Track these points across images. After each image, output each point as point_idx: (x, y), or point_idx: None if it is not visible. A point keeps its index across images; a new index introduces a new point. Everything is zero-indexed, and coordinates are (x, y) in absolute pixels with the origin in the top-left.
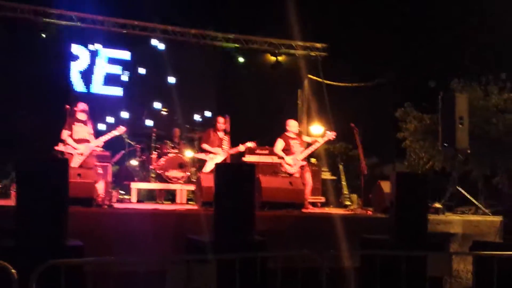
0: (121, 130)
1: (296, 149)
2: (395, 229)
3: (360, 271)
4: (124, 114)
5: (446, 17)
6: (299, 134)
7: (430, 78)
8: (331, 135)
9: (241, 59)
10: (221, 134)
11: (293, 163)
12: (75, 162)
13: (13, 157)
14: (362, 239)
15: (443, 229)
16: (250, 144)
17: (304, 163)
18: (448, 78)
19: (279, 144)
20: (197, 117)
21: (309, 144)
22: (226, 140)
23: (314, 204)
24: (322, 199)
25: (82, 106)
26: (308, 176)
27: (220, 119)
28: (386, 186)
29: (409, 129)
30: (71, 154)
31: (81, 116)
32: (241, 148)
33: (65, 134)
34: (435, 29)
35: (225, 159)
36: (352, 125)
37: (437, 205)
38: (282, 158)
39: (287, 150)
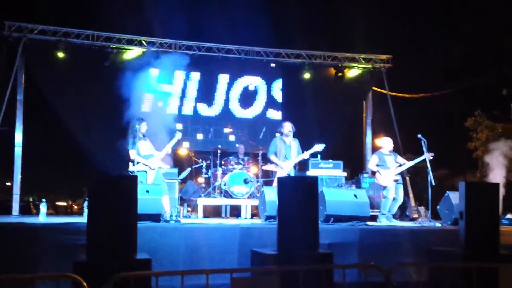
0: (179, 135)
1: (391, 165)
2: (465, 241)
3: (429, 284)
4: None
5: None
6: (392, 152)
7: (502, 86)
8: (429, 155)
9: (306, 75)
10: (288, 140)
11: (387, 177)
12: (149, 179)
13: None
14: (430, 252)
15: None
16: (319, 148)
17: (398, 178)
18: None
19: (374, 160)
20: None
21: (400, 164)
22: (295, 146)
23: None
24: None
25: (144, 122)
26: (400, 192)
27: (287, 125)
28: (455, 197)
29: (480, 138)
30: (145, 171)
31: (143, 132)
32: (306, 155)
33: (133, 154)
34: (504, 36)
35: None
36: (419, 136)
37: (510, 215)
38: (378, 172)
39: (381, 165)
